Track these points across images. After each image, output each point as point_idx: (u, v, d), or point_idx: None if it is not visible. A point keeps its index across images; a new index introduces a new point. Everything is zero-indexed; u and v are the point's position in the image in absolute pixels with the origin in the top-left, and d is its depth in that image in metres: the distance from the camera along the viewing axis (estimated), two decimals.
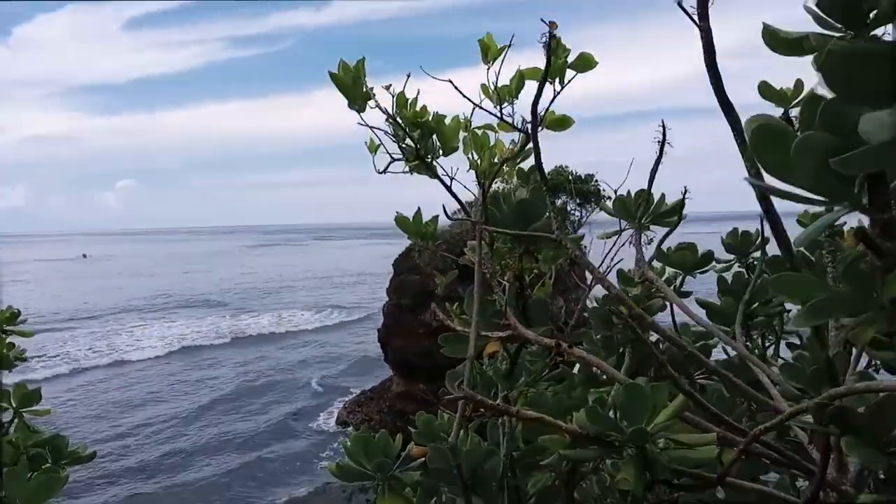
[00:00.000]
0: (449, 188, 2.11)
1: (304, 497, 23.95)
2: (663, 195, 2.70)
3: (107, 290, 76.01)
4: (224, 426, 30.72)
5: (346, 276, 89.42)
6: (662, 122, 1.98)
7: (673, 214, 2.65)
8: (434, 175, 2.09)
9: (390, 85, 2.05)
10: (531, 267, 2.07)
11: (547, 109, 2.03)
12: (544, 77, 1.73)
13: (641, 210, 2.53)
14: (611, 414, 1.37)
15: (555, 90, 2.03)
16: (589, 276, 2.43)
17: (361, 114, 2.10)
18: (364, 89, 2.08)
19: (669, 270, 3.01)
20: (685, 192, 2.22)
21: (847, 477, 1.42)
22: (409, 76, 2.08)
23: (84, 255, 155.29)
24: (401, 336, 28.24)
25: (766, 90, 1.75)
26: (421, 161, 2.06)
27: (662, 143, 1.97)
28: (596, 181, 32.48)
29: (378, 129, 2.09)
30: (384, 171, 2.21)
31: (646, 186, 2.42)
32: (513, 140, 2.35)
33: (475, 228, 2.03)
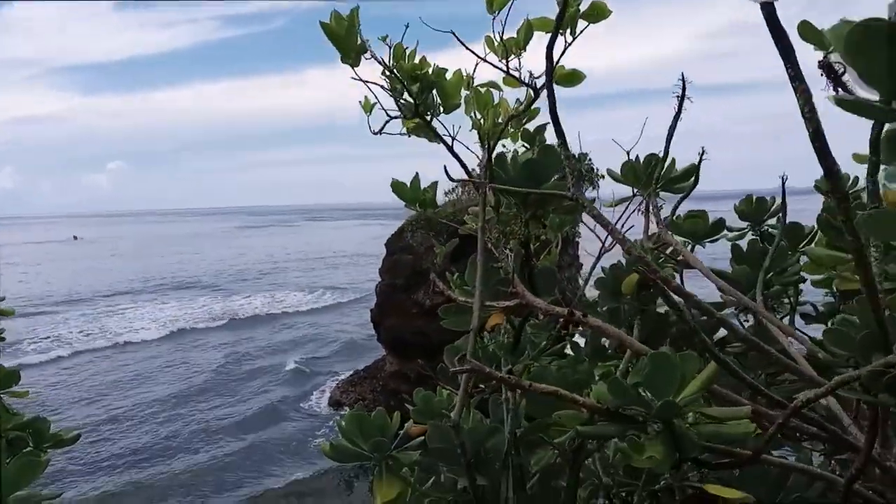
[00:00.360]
0: (450, 148, 1.96)
1: (300, 480, 23.90)
2: (674, 159, 2.56)
3: (98, 273, 75.55)
4: (218, 409, 30.63)
5: (339, 256, 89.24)
6: (682, 74, 1.83)
7: (686, 179, 2.52)
8: (434, 134, 1.94)
9: (387, 36, 1.89)
10: (538, 233, 1.93)
11: (557, 61, 1.88)
12: (560, 18, 1.58)
13: (656, 174, 2.39)
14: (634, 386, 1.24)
15: (566, 41, 1.88)
16: (597, 245, 2.29)
17: (355, 68, 1.94)
18: (358, 41, 1.92)
19: (678, 239, 2.88)
20: (702, 154, 2.08)
21: (891, 453, 1.29)
22: (407, 27, 1.93)
23: (75, 237, 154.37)
24: (394, 315, 28.16)
25: (806, 32, 1.60)
26: (420, 118, 1.90)
27: (682, 99, 1.83)
28: (589, 160, 32.35)
29: (375, 84, 1.93)
30: (379, 132, 2.06)
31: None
32: (518, 99, 2.21)
33: (479, 191, 1.89)
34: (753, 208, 2.65)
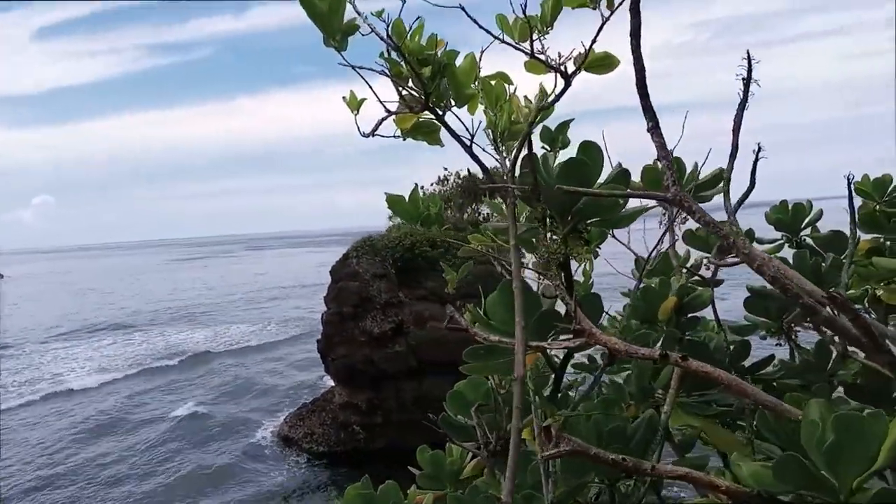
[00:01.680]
0: (469, 149, 1.57)
1: None
2: (696, 163, 2.25)
3: (28, 314, 71.94)
4: (159, 449, 29.07)
5: (281, 287, 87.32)
6: (748, 52, 1.50)
7: (713, 186, 2.21)
8: (448, 131, 1.55)
9: (383, 10, 1.50)
10: (580, 251, 1.55)
11: (594, 41, 1.52)
12: None
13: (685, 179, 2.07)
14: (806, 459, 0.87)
15: (603, 16, 1.53)
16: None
17: (342, 52, 1.54)
18: (344, 19, 1.53)
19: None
20: (758, 151, 1.74)
21: None
22: (404, 2, 1.54)
23: (1, 276, 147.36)
24: (342, 345, 27.41)
25: None
26: (431, 112, 1.51)
27: (748, 80, 1.50)
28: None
29: (367, 68, 1.53)
30: (372, 133, 1.66)
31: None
32: (529, 96, 1.84)
33: (507, 199, 1.51)
34: (790, 217, 2.34)
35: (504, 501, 1.22)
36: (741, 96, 1.50)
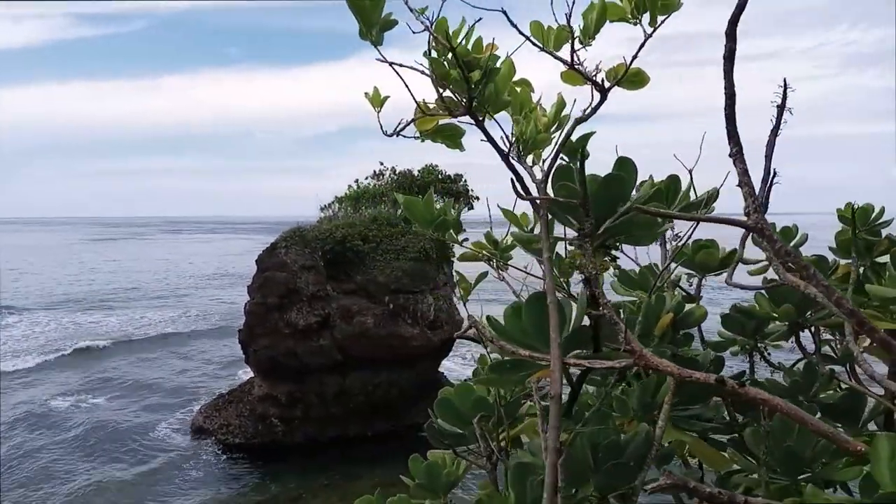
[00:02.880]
0: (506, 157, 1.53)
1: None
2: (691, 182, 2.28)
3: None
4: (72, 442, 27.66)
5: (200, 273, 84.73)
6: (784, 80, 1.52)
7: (709, 204, 2.24)
8: (487, 138, 1.51)
9: (426, 8, 1.44)
10: (605, 266, 1.54)
11: (634, 56, 1.51)
12: None
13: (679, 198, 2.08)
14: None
15: (645, 33, 1.52)
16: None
17: (378, 47, 1.48)
18: (383, 13, 1.47)
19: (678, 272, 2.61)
20: (773, 175, 1.77)
21: None
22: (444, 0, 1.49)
23: None
24: (265, 336, 26.81)
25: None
26: (472, 117, 1.47)
27: (781, 108, 1.52)
28: (465, 181, 32.62)
29: (406, 66, 1.47)
30: (397, 133, 1.60)
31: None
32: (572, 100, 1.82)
33: (540, 211, 1.48)
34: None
35: None
36: (774, 122, 1.53)
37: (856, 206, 2.26)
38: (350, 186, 31.98)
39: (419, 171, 31.90)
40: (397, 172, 31.70)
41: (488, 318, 1.61)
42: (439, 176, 31.88)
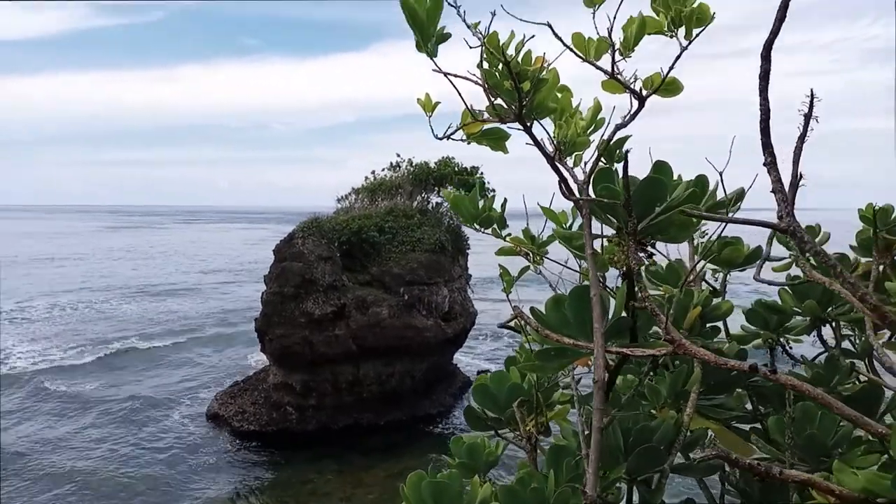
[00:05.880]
0: (552, 160, 1.65)
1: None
2: (718, 181, 2.38)
3: None
4: (92, 431, 28.08)
5: (214, 261, 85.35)
6: (812, 90, 1.63)
7: (735, 203, 2.34)
8: (534, 142, 1.63)
9: (479, 22, 1.56)
10: (642, 262, 1.66)
11: (672, 66, 1.63)
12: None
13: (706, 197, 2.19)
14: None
15: (681, 44, 1.63)
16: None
17: (433, 58, 1.60)
18: (438, 25, 1.58)
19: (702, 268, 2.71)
20: (799, 178, 1.88)
21: None
22: (493, 14, 1.60)
23: None
24: (281, 325, 27.08)
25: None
26: (521, 124, 1.59)
27: (808, 118, 1.62)
28: (481, 174, 32.70)
29: (460, 76, 1.59)
30: (447, 136, 1.72)
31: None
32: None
33: (583, 211, 1.60)
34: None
35: (589, 495, 1.32)
36: (801, 129, 1.63)
37: (876, 207, 2.36)
38: (367, 178, 32.12)
39: (436, 163, 31.96)
40: (414, 164, 31.79)
41: (532, 308, 1.73)
42: (455, 168, 31.97)
